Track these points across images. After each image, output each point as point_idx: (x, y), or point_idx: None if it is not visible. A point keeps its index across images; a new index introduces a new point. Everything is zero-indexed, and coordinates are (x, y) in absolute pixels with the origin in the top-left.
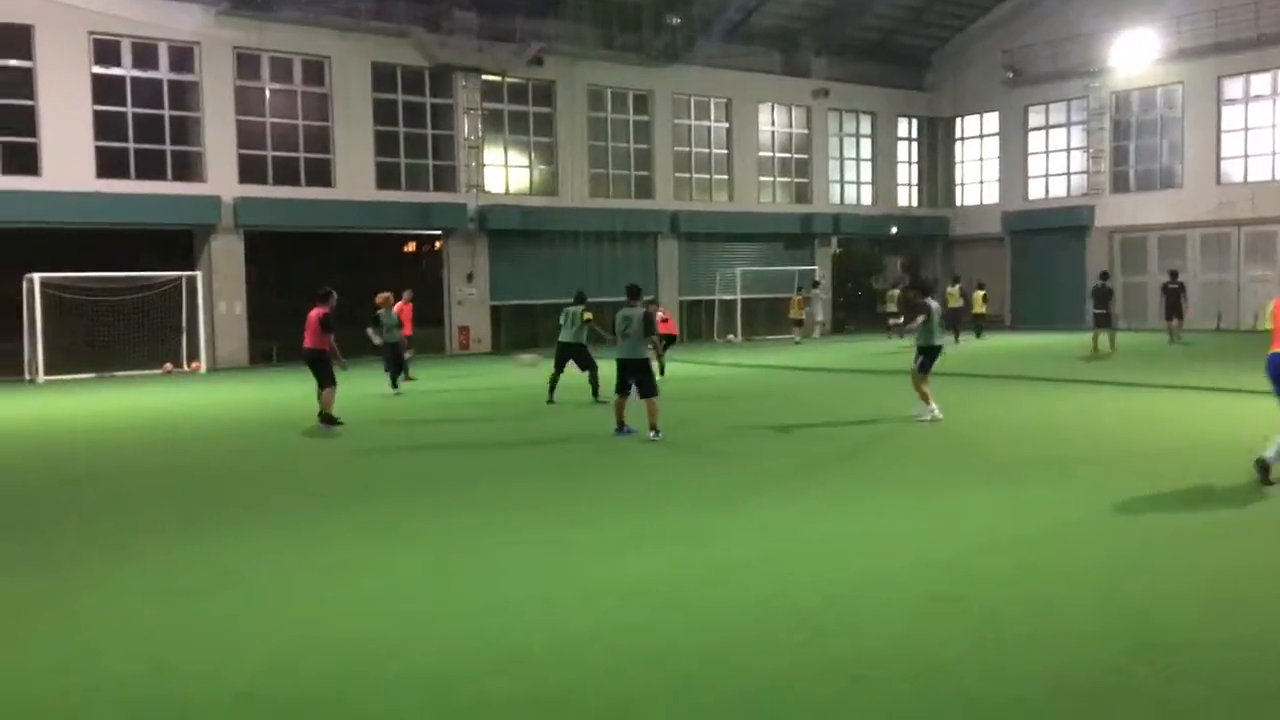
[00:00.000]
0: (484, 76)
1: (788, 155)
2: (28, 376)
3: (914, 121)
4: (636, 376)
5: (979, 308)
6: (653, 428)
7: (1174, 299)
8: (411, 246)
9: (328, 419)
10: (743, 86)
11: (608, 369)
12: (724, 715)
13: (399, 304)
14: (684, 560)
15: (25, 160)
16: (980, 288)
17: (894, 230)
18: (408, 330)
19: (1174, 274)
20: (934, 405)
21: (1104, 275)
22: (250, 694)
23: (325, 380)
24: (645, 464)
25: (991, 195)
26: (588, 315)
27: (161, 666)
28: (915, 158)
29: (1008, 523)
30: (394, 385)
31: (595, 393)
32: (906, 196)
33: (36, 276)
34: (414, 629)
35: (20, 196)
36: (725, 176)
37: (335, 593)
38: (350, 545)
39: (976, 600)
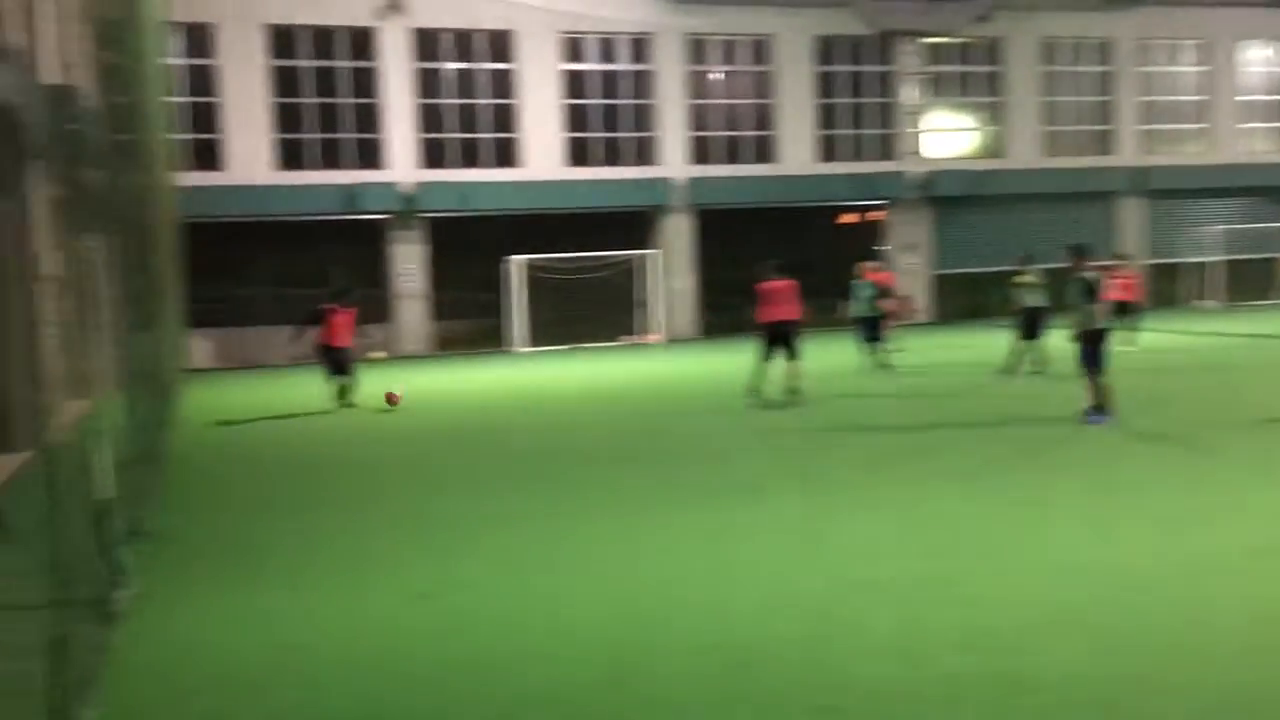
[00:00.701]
0: (927, 40)
1: (1275, 97)
2: (510, 348)
3: None
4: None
5: None
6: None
7: None
8: (850, 217)
9: (792, 391)
10: (1221, 24)
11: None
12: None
13: (876, 273)
14: (1159, 546)
15: (509, 154)
16: None
17: None
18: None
19: None
20: None
21: None
22: (715, 645)
23: (796, 352)
24: (1100, 447)
25: None
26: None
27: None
28: None
29: None
30: (876, 357)
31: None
32: None
33: (516, 259)
34: (876, 595)
35: (504, 187)
36: (1200, 126)
37: (804, 553)
38: (831, 511)
39: None
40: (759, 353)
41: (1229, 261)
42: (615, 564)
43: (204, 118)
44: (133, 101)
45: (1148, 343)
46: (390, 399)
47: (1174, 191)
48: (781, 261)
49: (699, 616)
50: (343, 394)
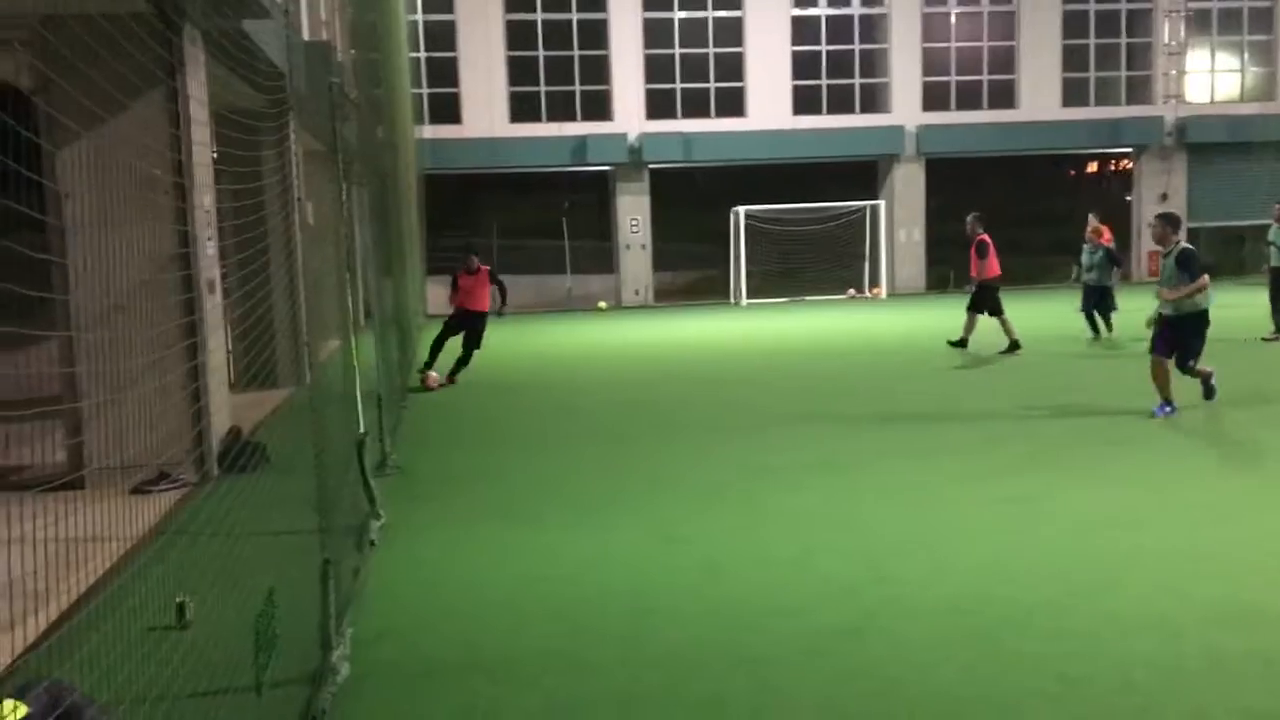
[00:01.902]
0: None
1: None
2: (732, 300)
3: None
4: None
5: None
6: (1167, 400)
7: None
8: (1094, 166)
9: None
10: None
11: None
12: None
13: (1101, 230)
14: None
15: (733, 103)
16: None
17: None
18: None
19: None
20: None
21: None
22: (961, 607)
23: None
24: None
25: None
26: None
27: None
28: None
29: None
30: (1095, 330)
31: None
32: None
33: (741, 209)
34: (1127, 565)
35: (728, 137)
36: None
37: (1032, 522)
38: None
39: None
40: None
41: None
42: (862, 519)
43: (443, 72)
44: (381, 57)
45: None
46: (427, 382)
47: None
48: (982, 214)
49: (942, 576)
50: (456, 367)
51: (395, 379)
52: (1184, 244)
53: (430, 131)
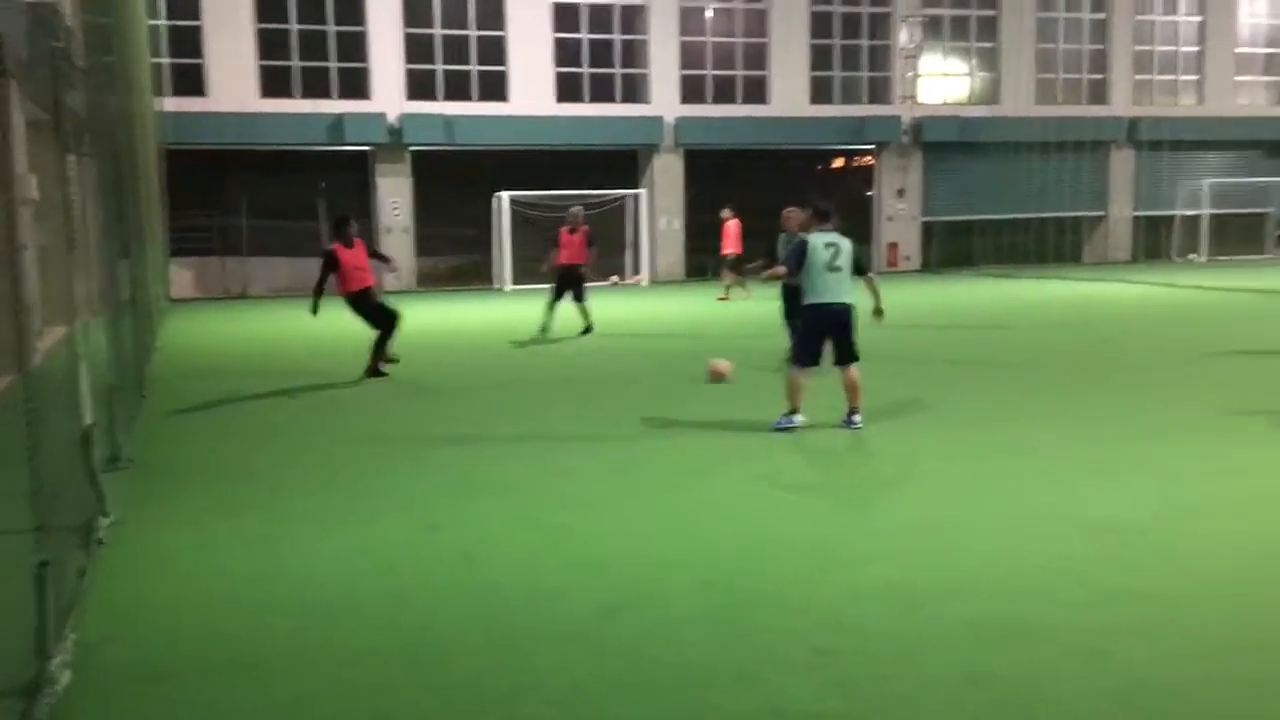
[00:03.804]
0: None
1: (1275, 50)
2: (495, 286)
3: None
4: (841, 333)
5: None
6: (855, 411)
7: None
8: (840, 162)
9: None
10: None
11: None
12: (1193, 662)
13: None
14: (1144, 497)
15: (496, 87)
16: None
17: None
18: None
19: None
20: None
21: None
22: (708, 584)
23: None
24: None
25: None
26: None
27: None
28: None
29: None
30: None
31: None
32: None
33: (504, 195)
34: (876, 542)
35: (491, 121)
36: (1194, 77)
37: (781, 499)
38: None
39: None
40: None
41: (1219, 215)
42: (620, 499)
43: (186, 41)
44: (113, 22)
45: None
46: (716, 372)
47: (1166, 143)
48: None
49: (702, 554)
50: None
51: (131, 366)
52: (804, 236)
53: (172, 104)
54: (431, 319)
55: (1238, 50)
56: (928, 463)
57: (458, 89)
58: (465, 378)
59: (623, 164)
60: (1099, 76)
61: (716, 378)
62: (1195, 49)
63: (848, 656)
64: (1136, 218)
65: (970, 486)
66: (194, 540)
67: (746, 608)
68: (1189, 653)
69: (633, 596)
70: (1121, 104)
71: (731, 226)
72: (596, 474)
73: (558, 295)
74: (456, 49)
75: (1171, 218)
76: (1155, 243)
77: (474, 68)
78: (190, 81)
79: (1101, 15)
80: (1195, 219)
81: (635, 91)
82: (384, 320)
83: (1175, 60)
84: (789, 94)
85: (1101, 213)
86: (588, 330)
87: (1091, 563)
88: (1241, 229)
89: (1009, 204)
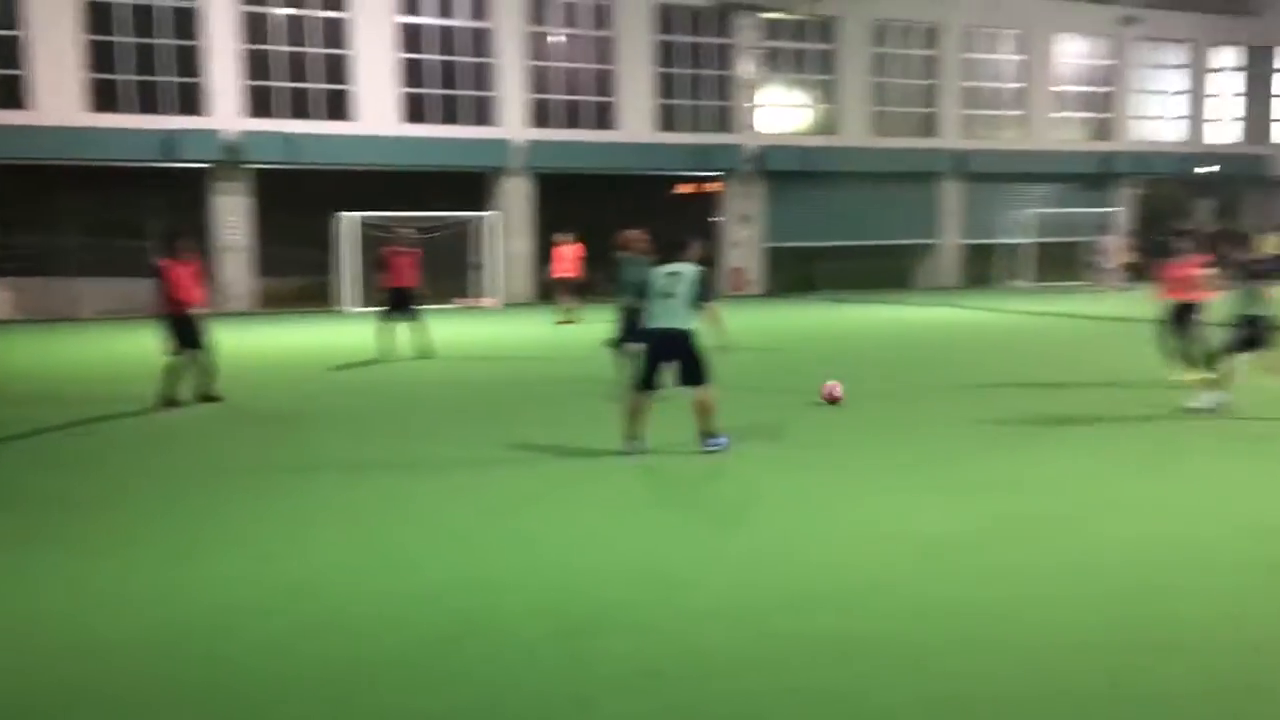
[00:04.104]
0: (765, 15)
1: (1088, 89)
2: (339, 308)
3: (1234, 50)
4: (682, 357)
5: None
6: (709, 434)
7: None
8: (689, 188)
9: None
10: (1039, 16)
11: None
12: (1015, 673)
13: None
14: (970, 512)
15: (340, 106)
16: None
17: (1212, 169)
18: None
19: None
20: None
21: None
22: (548, 609)
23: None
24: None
25: None
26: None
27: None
28: (1232, 90)
29: None
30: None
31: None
32: (1221, 133)
33: (347, 215)
34: (713, 562)
35: (335, 140)
36: (1018, 113)
37: (626, 521)
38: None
39: None
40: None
41: (1041, 244)
42: (462, 525)
43: (6, 52)
44: None
45: (961, 318)
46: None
47: (991, 175)
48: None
49: (544, 579)
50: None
51: None
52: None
53: None
54: (271, 342)
55: (1055, 88)
56: (765, 484)
57: (301, 107)
58: (304, 403)
59: (471, 186)
60: (930, 110)
61: (831, 400)
62: (1018, 86)
63: (681, 677)
64: (965, 246)
65: (805, 506)
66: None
67: (585, 632)
68: (1008, 663)
69: (474, 623)
70: (951, 137)
71: (567, 251)
72: (440, 500)
73: (391, 318)
74: (299, 66)
75: (997, 246)
76: (982, 269)
77: (318, 86)
78: (9, 94)
79: (932, 52)
80: (1018, 247)
81: (483, 114)
82: (196, 343)
83: (1000, 97)
84: (637, 120)
85: (933, 240)
86: (427, 354)
87: (918, 577)
88: (1061, 257)
89: (848, 231)
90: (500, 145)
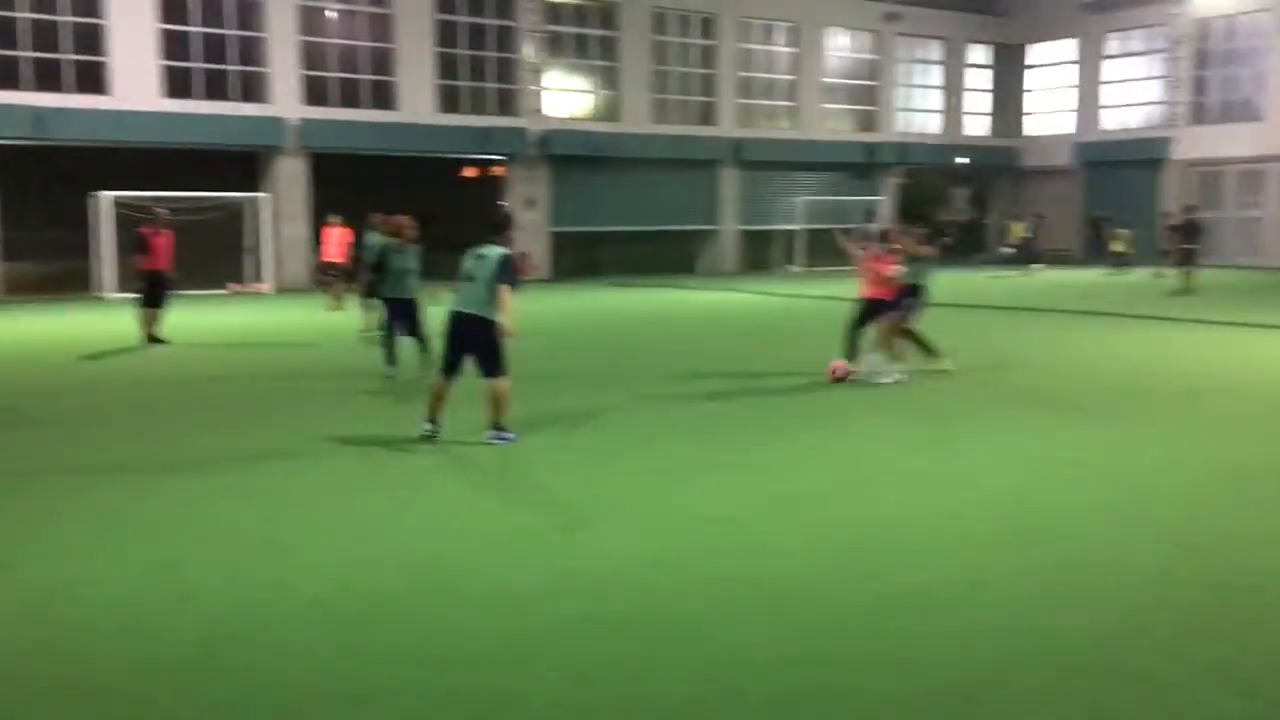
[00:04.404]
0: None
1: (855, 82)
2: (97, 293)
3: (986, 48)
4: (479, 348)
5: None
6: (497, 426)
7: (1189, 239)
8: (472, 172)
9: None
10: (810, 10)
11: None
12: (785, 645)
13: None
14: (735, 489)
15: (95, 79)
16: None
17: (964, 161)
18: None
19: (1190, 209)
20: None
21: (1190, 209)
22: (322, 602)
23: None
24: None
25: (1063, 126)
26: None
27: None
28: (985, 86)
29: (1071, 460)
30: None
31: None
32: (976, 126)
33: (105, 195)
34: (488, 550)
35: (89, 116)
36: (790, 104)
37: (408, 512)
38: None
39: (1050, 534)
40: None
41: (812, 231)
42: (227, 526)
43: None
44: None
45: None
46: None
47: (766, 164)
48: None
49: (314, 574)
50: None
51: None
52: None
53: None
54: (17, 332)
55: (825, 80)
56: (543, 469)
57: (50, 80)
58: (56, 400)
59: (244, 166)
60: (708, 99)
61: (838, 376)
62: (790, 78)
63: (459, 666)
64: (743, 232)
65: (584, 490)
66: None
67: (357, 626)
68: (779, 635)
69: (238, 624)
70: (728, 125)
71: (335, 234)
72: (202, 500)
73: (150, 302)
74: (47, 36)
75: (772, 232)
76: (759, 255)
77: (68, 57)
78: None
79: (709, 42)
80: (792, 233)
81: (254, 90)
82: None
83: (774, 87)
84: (417, 101)
85: (713, 226)
86: (158, 340)
87: (695, 555)
88: (832, 242)
89: (632, 217)
90: (273, 124)
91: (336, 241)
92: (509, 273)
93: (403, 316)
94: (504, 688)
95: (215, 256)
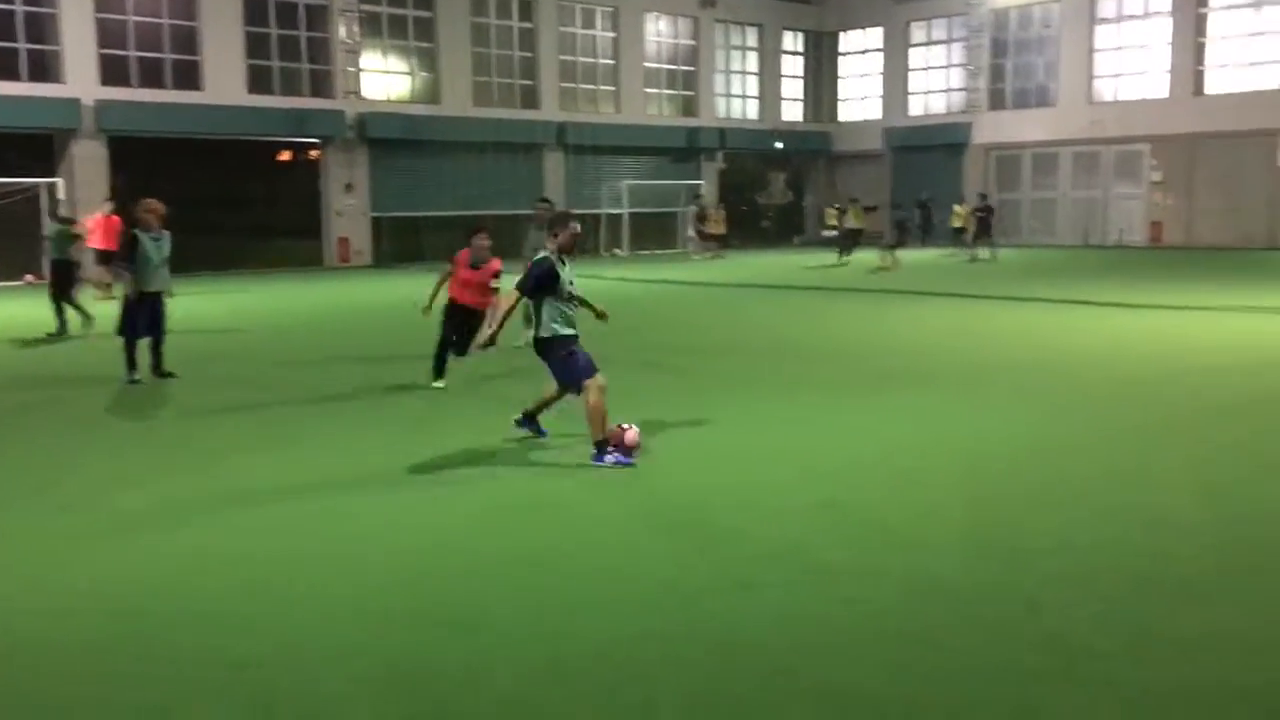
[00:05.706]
0: None
1: (674, 67)
2: None
3: (800, 35)
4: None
5: (857, 223)
6: (598, 445)
7: (985, 221)
8: (287, 155)
9: None
10: None
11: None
12: (611, 618)
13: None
14: (560, 474)
15: None
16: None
17: (779, 145)
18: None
19: (984, 196)
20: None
21: (984, 195)
22: (139, 610)
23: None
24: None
25: (873, 111)
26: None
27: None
28: (800, 72)
29: (874, 435)
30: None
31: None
32: (792, 111)
33: None
34: (289, 546)
35: None
36: (612, 88)
37: (236, 515)
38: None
39: (857, 506)
40: None
41: (636, 214)
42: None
43: None
44: None
45: None
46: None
47: (590, 147)
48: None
49: (114, 580)
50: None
51: None
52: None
53: None
54: None
55: (646, 65)
56: (330, 461)
57: None
58: None
59: (38, 149)
60: (530, 83)
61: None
62: (611, 62)
63: (269, 668)
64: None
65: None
66: None
67: (161, 632)
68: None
69: (30, 633)
70: (550, 109)
71: (105, 222)
72: None
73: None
74: None
75: (597, 216)
76: (586, 239)
77: None
78: None
79: (529, 25)
80: (617, 218)
81: (45, 69)
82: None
83: (595, 71)
84: (224, 81)
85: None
86: None
87: (487, 536)
88: (656, 226)
89: (455, 201)
90: (66, 104)
91: (104, 229)
92: (526, 279)
93: (151, 314)
94: (313, 689)
95: (8, 244)
